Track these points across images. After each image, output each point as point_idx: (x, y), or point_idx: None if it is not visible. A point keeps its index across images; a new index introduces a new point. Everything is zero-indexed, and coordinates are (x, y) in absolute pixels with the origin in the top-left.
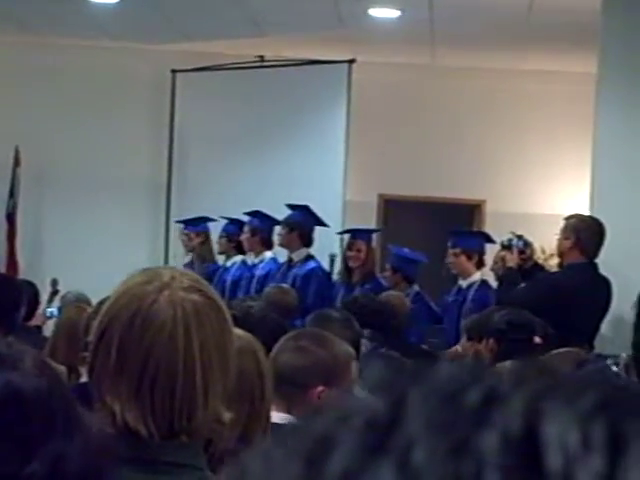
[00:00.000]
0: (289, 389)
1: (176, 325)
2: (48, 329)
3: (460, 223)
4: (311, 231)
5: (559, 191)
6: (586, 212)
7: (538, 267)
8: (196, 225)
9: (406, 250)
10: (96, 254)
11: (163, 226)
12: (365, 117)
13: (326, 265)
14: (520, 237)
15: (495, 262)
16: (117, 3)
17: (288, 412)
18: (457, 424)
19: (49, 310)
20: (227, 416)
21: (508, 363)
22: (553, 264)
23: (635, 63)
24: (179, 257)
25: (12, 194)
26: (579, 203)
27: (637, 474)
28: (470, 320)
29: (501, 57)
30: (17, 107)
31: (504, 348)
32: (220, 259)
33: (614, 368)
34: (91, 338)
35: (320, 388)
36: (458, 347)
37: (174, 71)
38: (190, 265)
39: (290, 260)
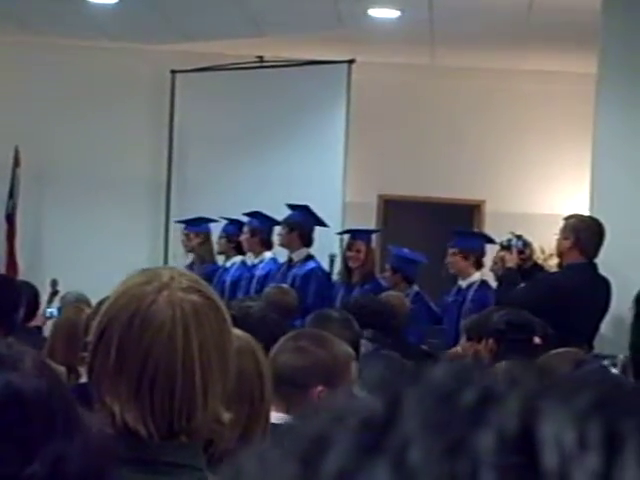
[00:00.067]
0: (288, 389)
1: (175, 325)
2: (48, 330)
3: (460, 223)
4: (311, 231)
5: (559, 191)
6: (585, 212)
7: (537, 267)
8: (197, 225)
9: (406, 250)
10: (96, 254)
11: (163, 226)
12: (365, 117)
13: (326, 265)
14: (519, 237)
15: (495, 262)
16: (116, 3)
17: (287, 412)
18: (453, 424)
19: (49, 310)
20: (226, 416)
21: (504, 363)
22: (552, 264)
23: (635, 63)
24: (179, 257)
25: (12, 194)
26: (579, 203)
27: (633, 473)
28: (470, 320)
29: (501, 57)
30: (17, 107)
31: (504, 348)
32: (220, 259)
33: (612, 369)
34: (90, 338)
35: (320, 388)
36: (458, 348)
37: (174, 71)
38: (191, 266)
39: (290, 260)
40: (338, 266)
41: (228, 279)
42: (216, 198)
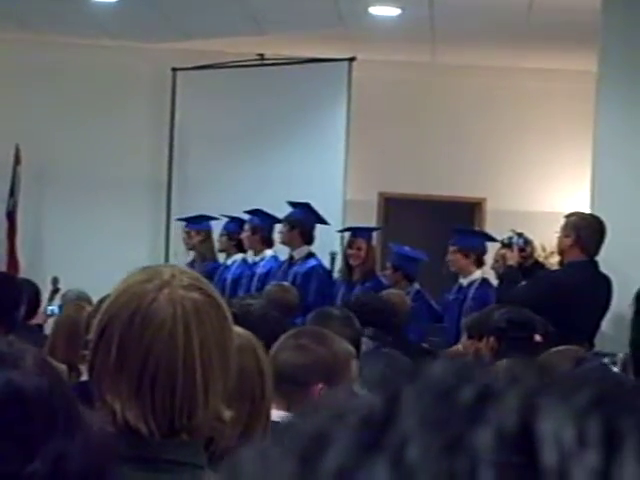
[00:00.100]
0: (289, 387)
1: (176, 323)
2: (49, 327)
3: (460, 221)
4: (312, 229)
5: (559, 189)
6: (586, 210)
7: (538, 265)
8: (197, 223)
9: (406, 248)
10: (97, 252)
11: (164, 224)
12: (365, 115)
13: (327, 263)
14: (520, 235)
15: (496, 260)
16: (117, 2)
17: (288, 410)
18: (451, 421)
19: (50, 308)
20: (227, 414)
21: (505, 361)
22: (553, 262)
23: (635, 61)
24: (180, 255)
25: (12, 192)
26: (579, 201)
27: (632, 470)
28: (470, 318)
29: (501, 55)
30: (17, 106)
31: (504, 346)
32: (221, 257)
33: (612, 367)
34: (91, 336)
35: (320, 386)
36: (459, 346)
37: (174, 69)
38: (192, 264)
39: (291, 258)
40: (339, 264)
41: (229, 277)
42: (217, 196)
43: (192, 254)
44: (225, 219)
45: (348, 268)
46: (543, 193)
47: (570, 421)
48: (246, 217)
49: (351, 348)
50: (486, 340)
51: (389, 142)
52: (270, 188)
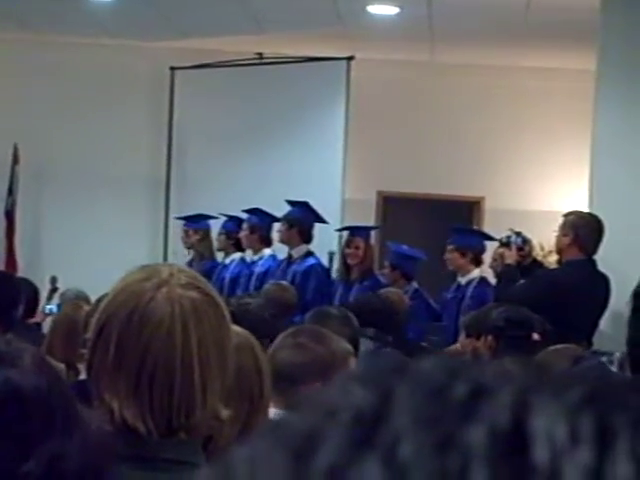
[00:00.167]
0: (287, 386)
1: (174, 322)
2: (48, 326)
3: (459, 220)
4: (311, 227)
5: (558, 188)
6: (585, 209)
7: (537, 264)
8: (196, 222)
9: (405, 247)
10: (95, 251)
11: (162, 223)
12: (364, 114)
13: (325, 262)
14: (519, 234)
15: (494, 259)
16: (115, 1)
17: (286, 409)
18: (444, 418)
19: (48, 307)
20: (225, 413)
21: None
22: (552, 261)
23: (634, 60)
24: (179, 254)
25: (11, 191)
26: (578, 200)
27: (625, 467)
28: (469, 317)
29: (500, 54)
30: (16, 104)
31: (503, 345)
32: (219, 256)
33: (610, 366)
34: (89, 335)
35: (318, 385)
36: (457, 345)
37: (173, 68)
38: (191, 263)
39: (290, 257)
40: (337, 263)
41: (227, 276)
42: (215, 195)
43: (191, 253)
44: (224, 218)
45: (346, 267)
46: (541, 192)
47: (562, 418)
48: (244, 216)
49: (349, 347)
50: (484, 339)
51: (388, 141)
52: (269, 187)
